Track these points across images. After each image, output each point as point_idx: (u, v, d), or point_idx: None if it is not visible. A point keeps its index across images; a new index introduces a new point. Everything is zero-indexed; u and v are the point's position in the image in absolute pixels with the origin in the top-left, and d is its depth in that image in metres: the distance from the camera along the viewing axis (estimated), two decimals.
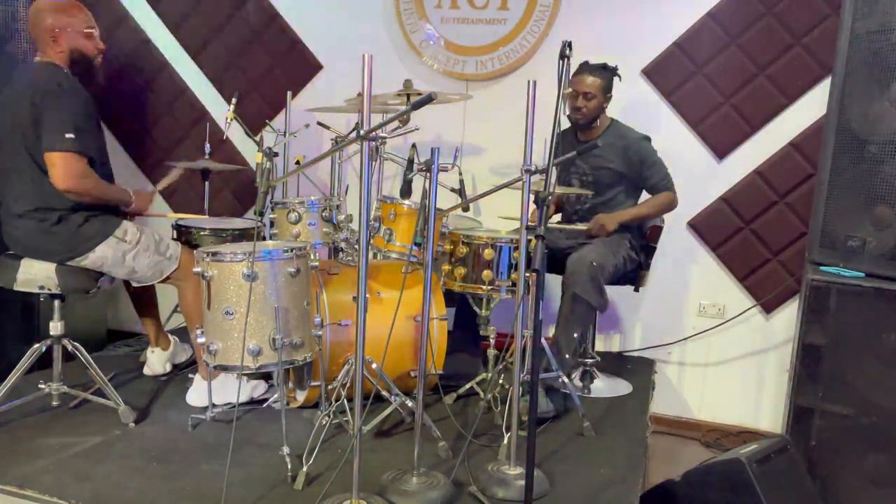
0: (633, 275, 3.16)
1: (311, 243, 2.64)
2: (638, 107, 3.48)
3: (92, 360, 2.55)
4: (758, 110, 3.42)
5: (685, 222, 3.57)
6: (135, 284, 2.71)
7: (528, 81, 2.20)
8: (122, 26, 4.31)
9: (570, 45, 2.20)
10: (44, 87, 2.40)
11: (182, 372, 3.05)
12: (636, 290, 3.25)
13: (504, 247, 2.73)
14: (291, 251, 2.30)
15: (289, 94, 3.75)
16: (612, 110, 3.15)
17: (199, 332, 2.30)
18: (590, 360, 3.19)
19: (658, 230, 3.20)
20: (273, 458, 2.23)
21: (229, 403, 2.63)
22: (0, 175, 2.52)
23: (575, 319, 2.83)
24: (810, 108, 3.32)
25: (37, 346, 2.54)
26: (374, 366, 2.47)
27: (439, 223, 2.69)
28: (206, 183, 3.65)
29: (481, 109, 3.75)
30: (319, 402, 2.58)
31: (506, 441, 2.35)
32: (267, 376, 2.84)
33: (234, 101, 3.40)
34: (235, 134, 3.85)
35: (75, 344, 2.57)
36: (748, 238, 3.50)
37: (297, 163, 3.55)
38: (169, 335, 3.09)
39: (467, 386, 2.88)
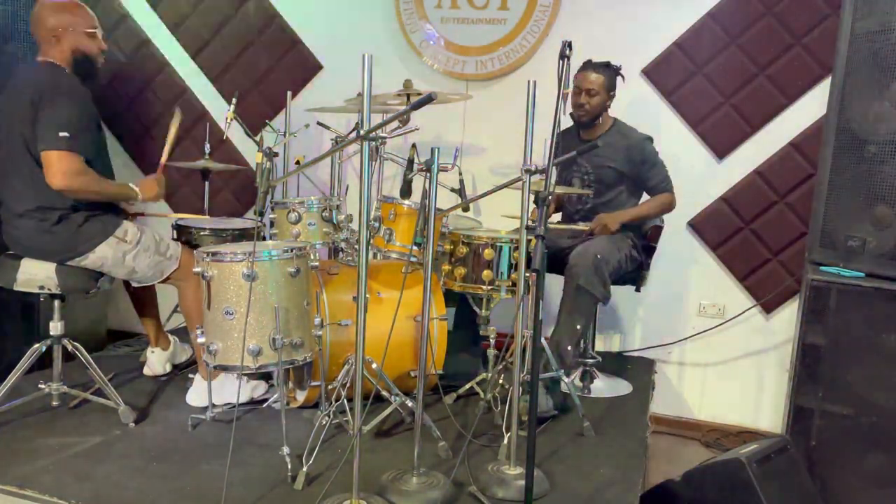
0: (635, 275, 3.16)
1: (312, 243, 2.64)
2: (638, 107, 3.48)
3: (92, 360, 2.55)
4: (758, 110, 3.42)
5: (685, 222, 3.57)
6: (135, 284, 2.71)
7: (528, 81, 2.20)
8: (122, 26, 4.31)
9: (570, 45, 2.20)
10: (43, 87, 2.40)
11: (182, 372, 3.05)
12: (637, 290, 3.25)
13: (504, 247, 2.73)
14: (291, 251, 2.30)
15: (289, 94, 3.75)
16: (613, 110, 3.15)
17: (199, 332, 2.30)
18: (590, 360, 3.19)
19: (658, 230, 3.20)
20: (273, 458, 2.23)
21: (229, 403, 2.62)
22: (0, 175, 2.52)
23: (578, 311, 2.83)
24: (810, 108, 3.32)
25: (37, 346, 2.54)
26: (374, 366, 2.47)
27: (439, 223, 2.69)
28: (206, 183, 3.65)
29: (481, 109, 3.75)
30: (319, 402, 2.57)
31: (506, 441, 2.34)
32: (267, 376, 2.84)
33: (234, 101, 3.40)
34: (235, 134, 3.85)
35: (75, 344, 2.57)
36: (748, 238, 3.50)
37: (297, 163, 3.55)
38: (169, 335, 3.09)
39: (467, 386, 2.87)
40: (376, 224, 2.68)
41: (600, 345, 3.68)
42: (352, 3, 3.92)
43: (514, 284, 2.72)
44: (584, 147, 2.16)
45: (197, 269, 2.26)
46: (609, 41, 3.50)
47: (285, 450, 2.17)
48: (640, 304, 3.68)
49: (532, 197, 2.47)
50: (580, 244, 2.95)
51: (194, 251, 2.39)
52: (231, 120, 3.35)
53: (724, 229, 3.53)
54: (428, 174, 2.07)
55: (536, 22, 3.63)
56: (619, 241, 2.99)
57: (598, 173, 3.12)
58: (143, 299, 3.00)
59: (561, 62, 2.19)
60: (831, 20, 3.18)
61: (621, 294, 3.49)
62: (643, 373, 3.40)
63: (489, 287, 2.73)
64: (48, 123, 2.37)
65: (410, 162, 2.28)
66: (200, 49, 4.24)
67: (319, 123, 3.49)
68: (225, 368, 2.30)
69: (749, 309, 3.52)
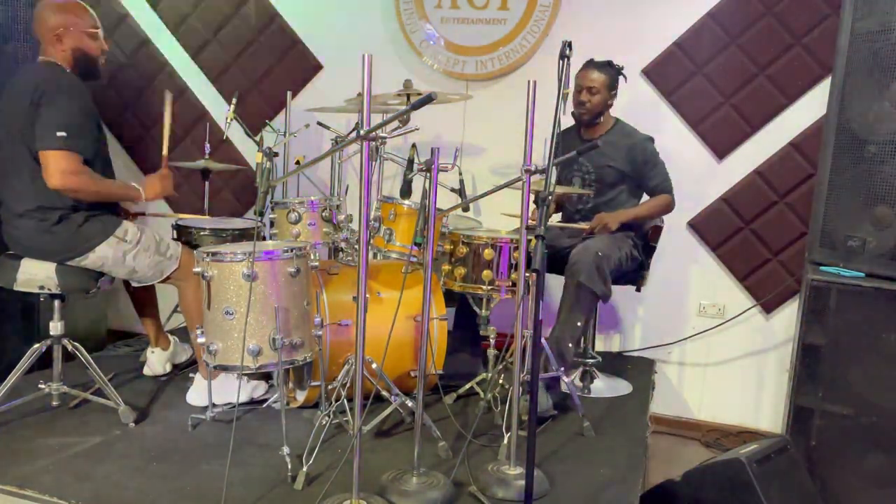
0: (635, 275, 3.16)
1: (311, 243, 2.64)
2: (638, 107, 3.47)
3: (92, 360, 2.55)
4: (758, 110, 3.42)
5: (685, 222, 3.57)
6: (135, 284, 2.71)
7: (528, 81, 2.20)
8: (122, 26, 4.32)
9: (570, 45, 2.20)
10: (42, 87, 2.40)
11: (182, 372, 3.05)
12: (637, 290, 3.25)
13: (504, 247, 2.73)
14: (291, 251, 2.30)
15: (289, 94, 3.75)
16: (613, 110, 3.15)
17: (199, 332, 2.30)
18: (590, 360, 3.19)
19: (658, 230, 3.20)
20: (273, 458, 2.23)
21: (229, 403, 2.62)
22: (0, 174, 2.52)
23: (579, 309, 2.83)
24: (810, 108, 3.32)
25: (37, 346, 2.54)
26: (374, 366, 2.47)
27: (439, 223, 2.69)
28: (206, 183, 3.65)
29: (481, 109, 3.75)
30: (319, 402, 2.58)
31: (506, 441, 2.34)
32: (267, 376, 2.84)
33: (234, 101, 3.40)
34: (235, 134, 3.85)
35: (75, 344, 2.57)
36: (748, 238, 3.50)
37: (297, 163, 3.56)
38: (169, 335, 3.09)
39: (467, 386, 2.88)
40: (376, 224, 2.68)
41: (600, 345, 3.69)
42: (352, 3, 3.92)
43: (514, 284, 2.72)
44: (584, 146, 2.15)
45: (197, 269, 2.26)
46: (609, 41, 3.50)
47: (285, 450, 2.17)
48: (640, 304, 3.68)
49: (532, 197, 2.47)
50: (580, 243, 2.95)
51: (194, 251, 2.39)
52: (231, 120, 3.36)
53: (724, 229, 3.53)
54: (428, 174, 2.07)
55: (536, 22, 3.63)
56: (620, 240, 3.00)
57: (600, 173, 3.12)
58: (143, 299, 3.00)
59: (561, 62, 2.19)
60: (831, 20, 3.18)
61: (621, 294, 3.49)
62: (643, 373, 3.40)
63: (489, 287, 2.73)
64: (46, 123, 2.37)
65: (410, 162, 2.28)
66: (200, 49, 4.24)
67: (319, 123, 3.49)
68: (225, 368, 2.30)
69: (749, 309, 3.52)
